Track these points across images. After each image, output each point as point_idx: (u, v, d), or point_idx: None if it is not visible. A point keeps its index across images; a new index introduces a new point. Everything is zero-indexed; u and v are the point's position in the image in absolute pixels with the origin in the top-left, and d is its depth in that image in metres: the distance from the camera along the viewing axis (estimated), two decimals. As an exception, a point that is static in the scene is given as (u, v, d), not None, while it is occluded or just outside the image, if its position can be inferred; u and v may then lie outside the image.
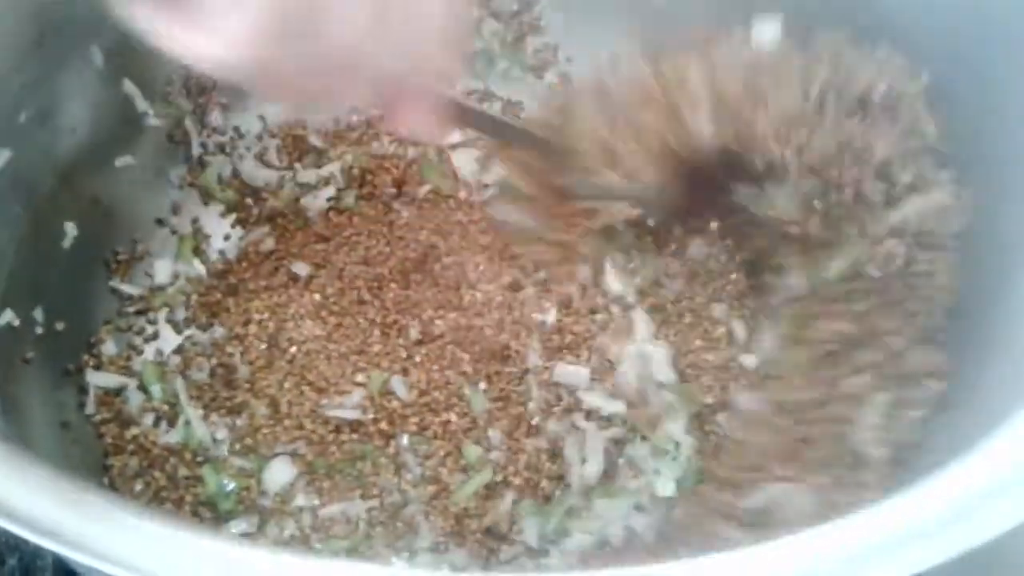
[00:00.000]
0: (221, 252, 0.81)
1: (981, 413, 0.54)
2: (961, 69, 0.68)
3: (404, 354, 0.74)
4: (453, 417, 0.71)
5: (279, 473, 0.70)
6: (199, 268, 0.80)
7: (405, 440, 0.71)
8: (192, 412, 0.72)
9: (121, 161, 0.79)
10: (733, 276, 0.78)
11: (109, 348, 0.74)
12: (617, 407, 0.71)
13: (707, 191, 0.72)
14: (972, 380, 0.61)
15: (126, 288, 0.78)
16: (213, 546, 0.40)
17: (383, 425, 0.71)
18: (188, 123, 0.83)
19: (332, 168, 0.83)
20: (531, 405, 0.72)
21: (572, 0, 0.89)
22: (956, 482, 0.43)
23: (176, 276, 0.80)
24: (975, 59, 0.68)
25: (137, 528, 0.41)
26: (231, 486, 0.70)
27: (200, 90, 0.84)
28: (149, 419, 0.72)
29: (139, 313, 0.77)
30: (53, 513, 0.41)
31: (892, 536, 0.40)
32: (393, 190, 0.82)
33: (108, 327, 0.76)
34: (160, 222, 0.82)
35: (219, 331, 0.76)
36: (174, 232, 0.82)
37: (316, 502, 0.69)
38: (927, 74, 0.68)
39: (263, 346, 0.75)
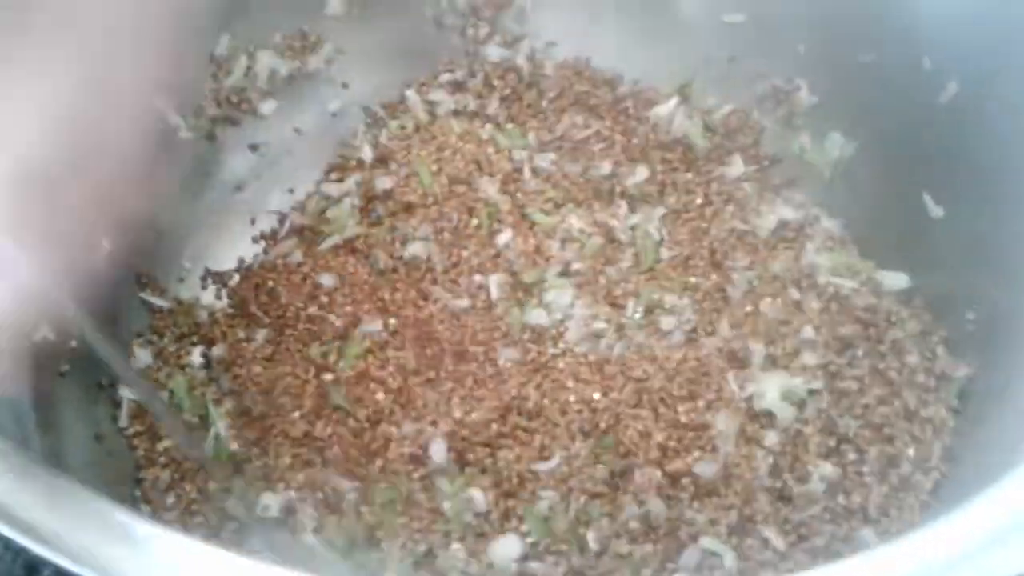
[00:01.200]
0: (249, 267, 0.82)
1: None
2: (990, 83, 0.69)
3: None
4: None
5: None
6: (228, 282, 0.81)
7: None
8: (222, 425, 0.73)
9: (155, 176, 0.80)
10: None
11: (141, 361, 0.76)
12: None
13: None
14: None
15: (156, 301, 0.79)
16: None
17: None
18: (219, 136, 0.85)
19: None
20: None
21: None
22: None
23: (205, 288, 0.81)
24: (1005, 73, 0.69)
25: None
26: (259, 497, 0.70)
27: (232, 103, 0.85)
28: (180, 430, 0.73)
29: (168, 326, 0.78)
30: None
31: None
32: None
33: (139, 340, 0.77)
34: (190, 234, 0.83)
35: (247, 344, 0.77)
36: (203, 245, 0.83)
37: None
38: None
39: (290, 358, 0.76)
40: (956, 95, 0.72)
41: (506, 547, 0.67)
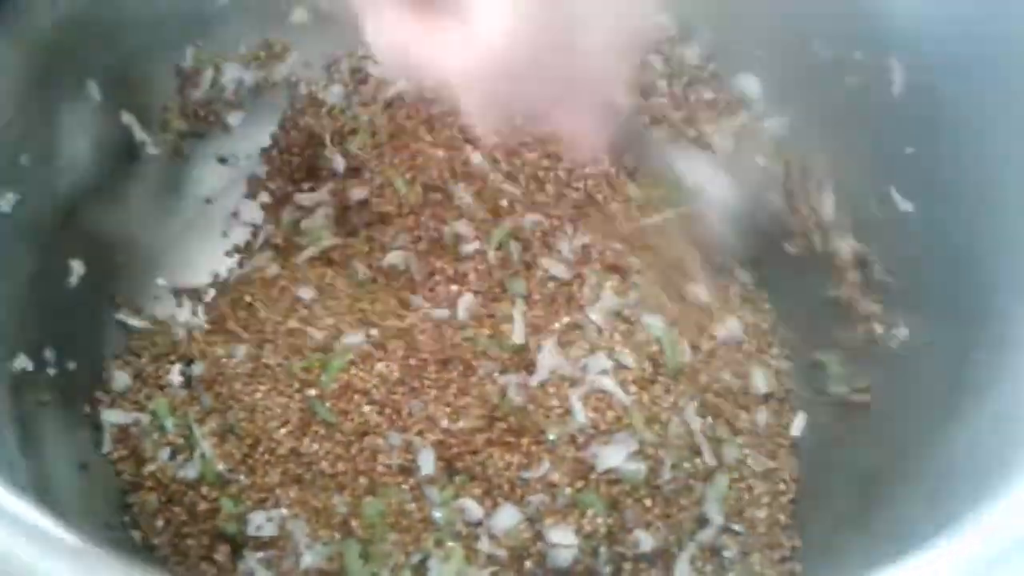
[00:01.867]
0: (225, 281, 0.81)
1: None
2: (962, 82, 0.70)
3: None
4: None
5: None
6: (204, 298, 0.81)
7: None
8: (206, 445, 0.72)
9: (122, 193, 0.79)
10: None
11: (120, 384, 0.75)
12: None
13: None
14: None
15: (133, 322, 0.78)
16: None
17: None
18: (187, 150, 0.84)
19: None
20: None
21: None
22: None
23: (181, 307, 0.80)
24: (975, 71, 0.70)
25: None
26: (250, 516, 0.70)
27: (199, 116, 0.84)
28: (165, 454, 0.72)
29: (146, 346, 0.78)
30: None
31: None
32: None
33: (117, 362, 0.76)
34: (163, 253, 0.82)
35: (228, 361, 0.76)
36: (177, 261, 0.82)
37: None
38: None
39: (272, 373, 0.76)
40: (913, 87, 0.74)
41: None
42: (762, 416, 0.76)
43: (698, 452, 0.71)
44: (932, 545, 0.46)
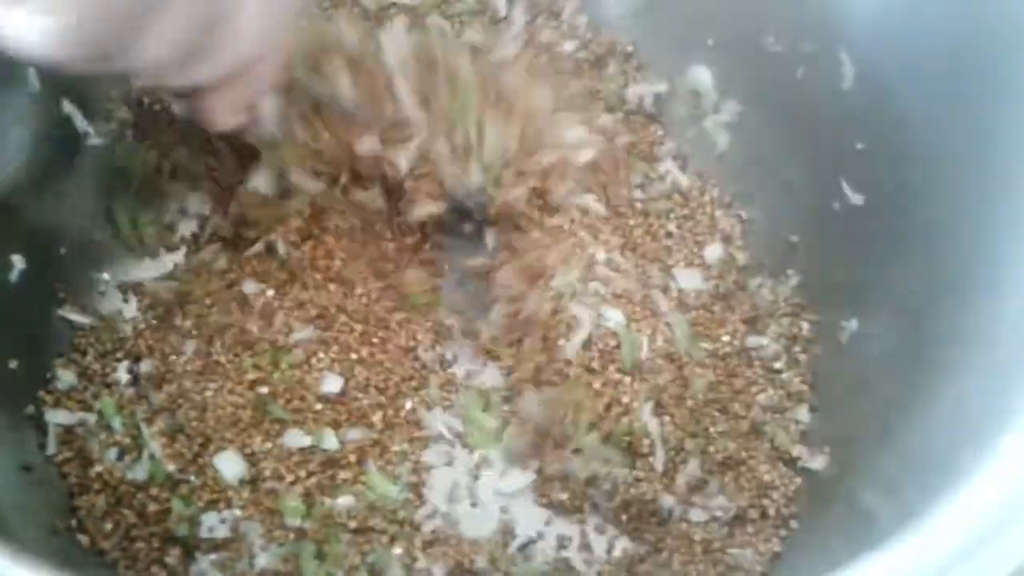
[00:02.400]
0: (172, 275, 0.79)
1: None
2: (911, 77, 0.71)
3: None
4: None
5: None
6: (150, 292, 0.78)
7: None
8: (155, 445, 0.70)
9: (63, 186, 0.76)
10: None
11: (65, 382, 0.73)
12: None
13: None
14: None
15: (76, 318, 0.76)
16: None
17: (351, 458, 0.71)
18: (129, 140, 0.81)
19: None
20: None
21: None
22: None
23: (126, 301, 0.78)
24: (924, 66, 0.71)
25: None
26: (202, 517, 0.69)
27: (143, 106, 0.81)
28: (112, 455, 0.71)
29: (91, 343, 0.75)
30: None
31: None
32: None
33: (61, 360, 0.74)
34: (106, 247, 0.79)
35: (176, 359, 0.75)
36: (122, 255, 0.80)
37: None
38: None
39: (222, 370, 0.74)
40: (863, 81, 0.75)
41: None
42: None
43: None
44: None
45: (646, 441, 0.71)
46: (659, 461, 0.71)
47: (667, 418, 0.72)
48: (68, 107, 0.76)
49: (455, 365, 0.79)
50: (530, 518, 0.73)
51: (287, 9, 0.62)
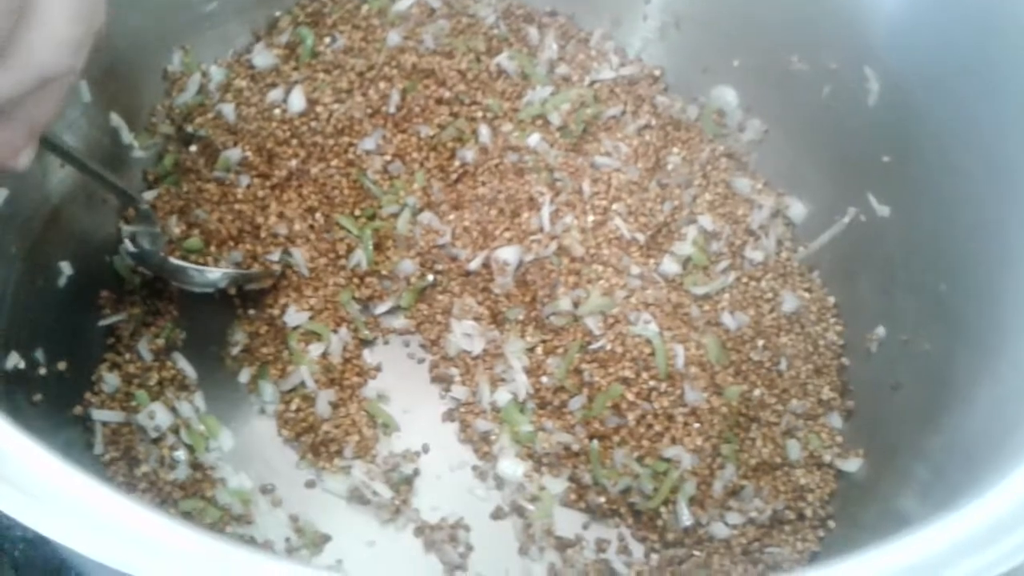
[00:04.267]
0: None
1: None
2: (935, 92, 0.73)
3: None
4: None
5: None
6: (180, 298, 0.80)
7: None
8: (198, 440, 0.72)
9: (108, 196, 0.78)
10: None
11: (109, 384, 0.73)
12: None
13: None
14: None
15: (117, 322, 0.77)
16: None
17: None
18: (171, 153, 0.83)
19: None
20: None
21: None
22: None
23: (161, 305, 0.79)
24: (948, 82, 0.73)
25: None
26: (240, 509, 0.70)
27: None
28: (156, 455, 0.71)
29: (130, 348, 0.76)
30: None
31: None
32: None
33: (106, 364, 0.75)
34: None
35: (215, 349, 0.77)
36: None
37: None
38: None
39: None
40: (888, 96, 0.77)
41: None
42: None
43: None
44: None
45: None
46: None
47: (698, 425, 0.74)
48: (116, 119, 0.78)
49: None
50: (569, 521, 0.74)
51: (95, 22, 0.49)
